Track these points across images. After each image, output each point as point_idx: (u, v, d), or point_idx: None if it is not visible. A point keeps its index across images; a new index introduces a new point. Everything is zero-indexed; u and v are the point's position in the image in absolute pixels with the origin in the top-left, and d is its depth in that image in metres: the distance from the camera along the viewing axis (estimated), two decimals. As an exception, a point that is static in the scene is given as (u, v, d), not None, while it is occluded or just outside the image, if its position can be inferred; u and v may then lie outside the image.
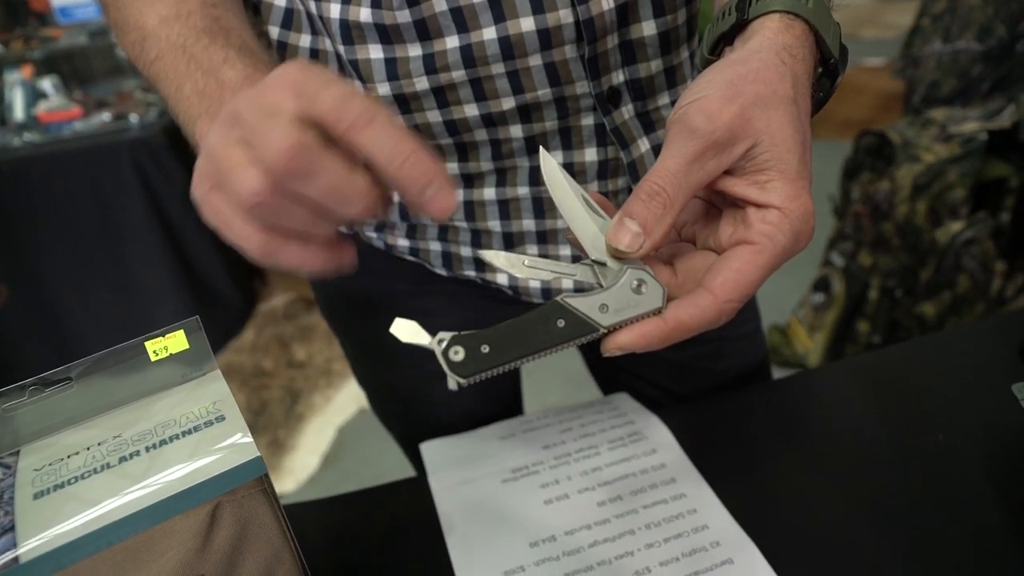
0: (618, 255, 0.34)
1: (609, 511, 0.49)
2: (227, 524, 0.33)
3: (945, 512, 0.47)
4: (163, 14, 0.42)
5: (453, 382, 0.33)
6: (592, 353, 0.75)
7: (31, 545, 0.28)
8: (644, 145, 0.52)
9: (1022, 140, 1.34)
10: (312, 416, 1.88)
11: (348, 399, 1.91)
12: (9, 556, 0.27)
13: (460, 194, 0.53)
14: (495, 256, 0.34)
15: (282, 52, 0.51)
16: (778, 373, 1.03)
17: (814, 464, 0.52)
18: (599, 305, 0.33)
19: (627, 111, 0.50)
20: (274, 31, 0.50)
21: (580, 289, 0.39)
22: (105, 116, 1.98)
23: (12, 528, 0.28)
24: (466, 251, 0.55)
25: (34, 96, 2.07)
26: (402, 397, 0.67)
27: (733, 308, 0.33)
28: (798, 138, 0.33)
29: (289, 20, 0.49)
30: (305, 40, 0.49)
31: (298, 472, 1.70)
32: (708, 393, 0.67)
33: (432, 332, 0.34)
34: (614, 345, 0.34)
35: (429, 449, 0.58)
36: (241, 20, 0.44)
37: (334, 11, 0.45)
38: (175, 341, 0.35)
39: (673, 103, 0.51)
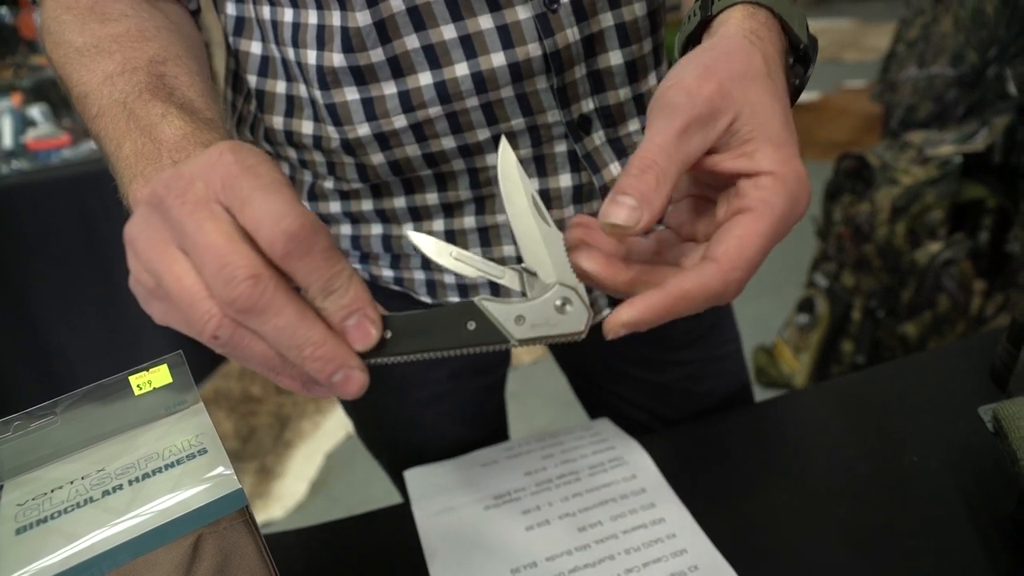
0: (615, 233, 0.32)
1: (589, 536, 0.50)
2: (209, 556, 0.34)
3: (919, 532, 0.48)
4: (108, 71, 0.40)
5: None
6: (577, 376, 0.76)
7: (13, 580, 0.28)
8: (616, 169, 0.53)
9: (996, 162, 1.37)
10: (300, 443, 1.88)
11: (336, 425, 1.91)
12: (-7, 591, 0.28)
13: (441, 223, 0.54)
14: (424, 241, 0.33)
15: (260, 99, 0.52)
16: (765, 394, 1.04)
17: (792, 487, 0.53)
18: (516, 315, 0.31)
19: (598, 137, 0.51)
20: (252, 79, 0.51)
21: (503, 293, 0.37)
22: (93, 144, 1.99)
23: (-6, 564, 0.29)
24: (449, 279, 0.57)
25: (23, 124, 2.08)
26: (388, 425, 0.68)
27: (739, 280, 0.32)
28: (778, 106, 0.34)
29: (265, 68, 0.51)
30: (281, 87, 0.50)
31: (286, 499, 1.69)
32: (692, 415, 0.68)
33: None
34: (617, 323, 0.32)
35: (413, 477, 0.59)
36: (192, 75, 0.41)
37: (311, 57, 0.46)
38: (159, 375, 0.36)
39: (643, 129, 0.52)
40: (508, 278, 0.33)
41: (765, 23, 0.37)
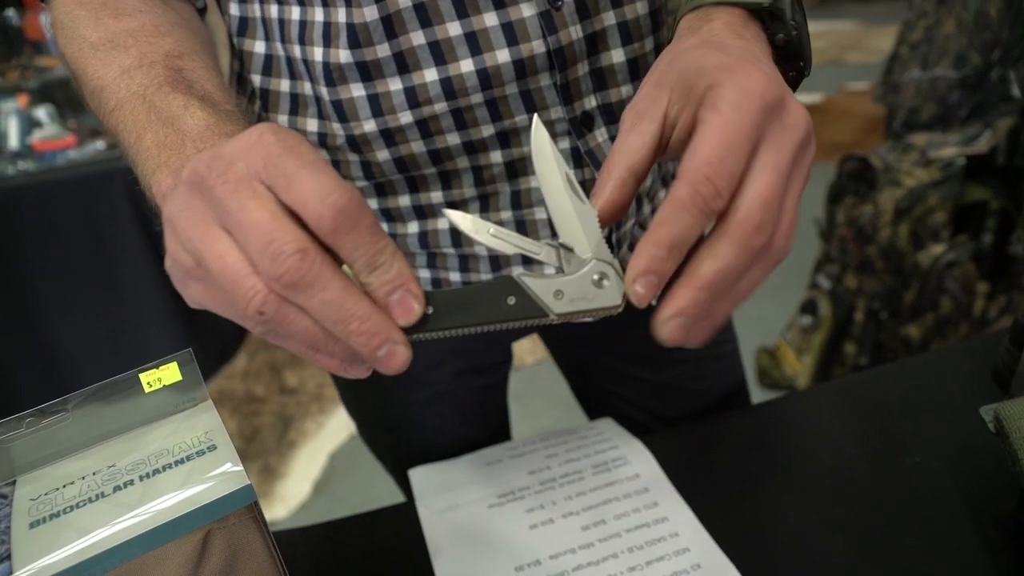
0: None
1: (593, 535, 0.50)
2: (218, 551, 0.34)
3: (920, 532, 0.48)
4: (125, 65, 0.40)
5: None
6: (577, 376, 0.76)
7: (26, 573, 0.29)
8: None
9: (1000, 164, 1.37)
10: (304, 442, 1.88)
11: (340, 425, 1.91)
12: (8, 583, 0.28)
13: (446, 221, 0.54)
14: (461, 219, 0.33)
15: (264, 98, 0.52)
16: (767, 395, 1.04)
17: (794, 486, 0.53)
18: (555, 290, 0.32)
19: (600, 134, 0.52)
20: (256, 79, 0.52)
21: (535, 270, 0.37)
22: (99, 145, 2.00)
23: (8, 557, 0.29)
24: (455, 276, 0.57)
25: (29, 125, 2.09)
26: (391, 426, 0.68)
27: (715, 188, 0.29)
28: (717, 54, 0.34)
29: (269, 67, 0.51)
30: (285, 85, 0.51)
31: (290, 499, 1.70)
32: (691, 414, 0.69)
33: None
34: (673, 312, 0.30)
35: (417, 475, 0.59)
36: (208, 70, 0.42)
37: (318, 54, 0.47)
38: (168, 373, 0.36)
39: None
40: (545, 254, 0.33)
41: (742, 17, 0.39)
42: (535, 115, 0.35)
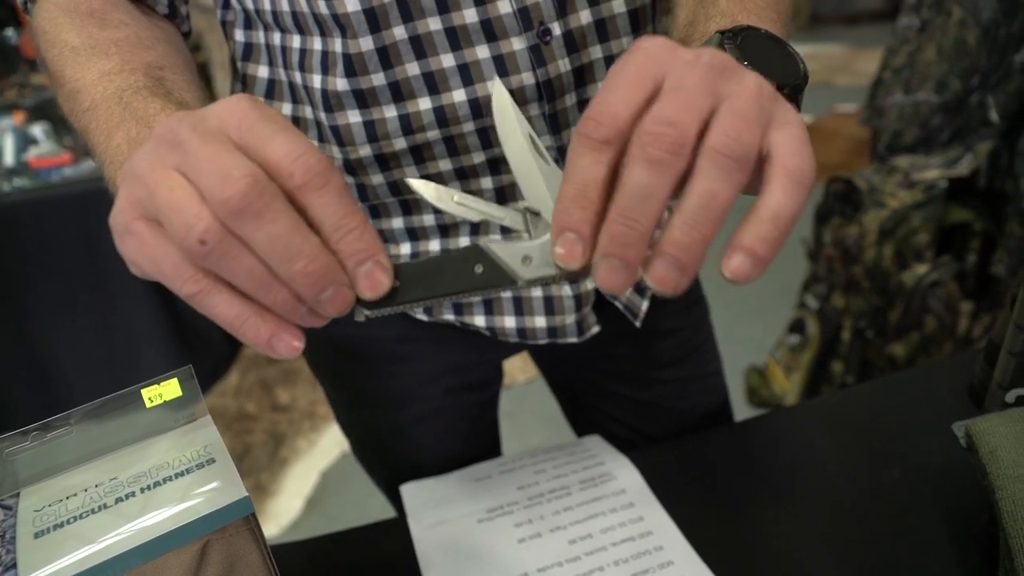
0: None
1: (579, 549, 0.51)
2: (216, 561, 0.35)
3: (898, 544, 0.50)
4: (105, 69, 0.40)
5: (360, 314, 0.30)
6: (564, 393, 0.78)
7: (33, 581, 0.30)
8: None
9: (981, 187, 1.40)
10: (295, 460, 1.88)
11: (332, 443, 1.92)
12: (13, 591, 0.29)
13: (437, 243, 0.56)
14: (424, 187, 0.32)
15: None
16: (756, 413, 1.05)
17: (777, 501, 0.55)
18: (522, 256, 0.30)
19: None
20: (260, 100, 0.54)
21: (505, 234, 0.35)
22: (94, 162, 2.02)
23: (14, 565, 0.30)
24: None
25: (25, 142, 2.10)
26: (384, 441, 0.70)
27: (594, 124, 0.28)
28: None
29: (272, 91, 0.53)
30: (287, 108, 0.53)
31: (281, 516, 1.69)
32: (675, 432, 0.70)
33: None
34: (745, 249, 0.27)
35: (408, 491, 0.60)
36: (189, 83, 0.42)
37: (316, 81, 0.49)
38: (169, 388, 0.38)
39: None
40: (510, 219, 0.32)
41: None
42: (496, 78, 0.35)
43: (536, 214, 0.32)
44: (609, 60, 0.51)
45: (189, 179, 0.27)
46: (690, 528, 0.52)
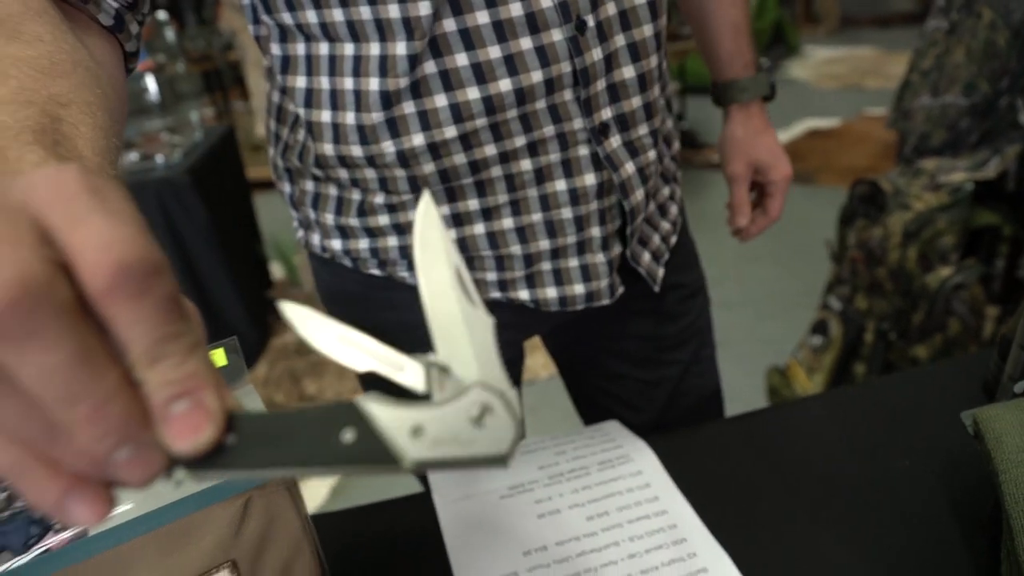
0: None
1: (597, 525, 0.54)
2: (256, 516, 0.38)
3: (908, 530, 0.51)
4: None
5: (177, 474, 0.21)
6: (573, 377, 0.82)
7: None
8: (631, 168, 0.59)
9: (1009, 190, 1.40)
10: (321, 449, 1.93)
11: (357, 433, 1.96)
12: (79, 530, 0.32)
13: (482, 227, 0.59)
14: (298, 318, 0.25)
15: (309, 129, 0.57)
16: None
17: (789, 487, 0.57)
18: (412, 426, 0.22)
19: (615, 141, 0.58)
20: (301, 111, 0.56)
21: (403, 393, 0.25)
22: (132, 156, 2.08)
23: (81, 509, 0.33)
24: (491, 276, 0.62)
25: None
26: None
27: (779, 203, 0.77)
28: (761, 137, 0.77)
29: (310, 100, 0.55)
30: (326, 116, 0.55)
31: (307, 502, 1.73)
32: (673, 411, 0.77)
33: None
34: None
35: (434, 468, 0.63)
36: (94, 126, 0.32)
37: (374, 84, 0.52)
38: (216, 357, 0.41)
39: (651, 133, 0.60)
40: (410, 373, 0.24)
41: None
42: (425, 192, 0.28)
43: (445, 370, 0.24)
44: (632, 47, 0.55)
45: None
46: (703, 509, 0.54)
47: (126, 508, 0.34)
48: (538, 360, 2.04)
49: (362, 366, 0.24)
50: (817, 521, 0.53)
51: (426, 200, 0.27)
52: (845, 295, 1.61)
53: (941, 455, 0.58)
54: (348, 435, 0.22)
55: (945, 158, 1.48)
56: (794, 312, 2.08)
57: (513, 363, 0.74)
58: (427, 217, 0.26)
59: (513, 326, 0.66)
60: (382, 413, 0.22)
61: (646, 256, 0.66)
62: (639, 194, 0.61)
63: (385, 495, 0.62)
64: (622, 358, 0.75)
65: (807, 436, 0.63)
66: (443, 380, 0.24)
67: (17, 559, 0.31)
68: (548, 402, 1.90)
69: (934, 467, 0.57)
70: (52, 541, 0.32)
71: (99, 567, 0.33)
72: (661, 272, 0.68)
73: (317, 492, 1.77)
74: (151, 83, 2.47)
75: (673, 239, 0.70)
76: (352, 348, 0.24)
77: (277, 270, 2.78)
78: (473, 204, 0.58)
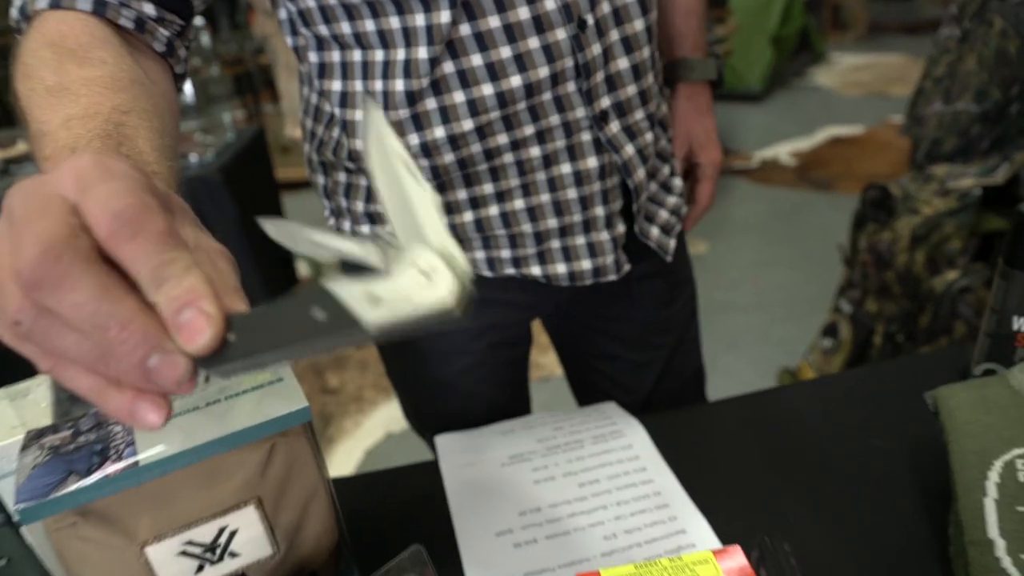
0: None
1: (588, 490, 0.59)
2: (279, 460, 0.44)
3: (877, 504, 0.56)
4: (70, 114, 0.39)
5: (201, 375, 0.26)
6: (569, 358, 0.89)
7: (146, 455, 0.39)
8: (631, 150, 0.66)
9: (1020, 196, 1.42)
10: (342, 439, 1.99)
11: (376, 425, 2.02)
12: (131, 460, 0.38)
13: (496, 209, 0.65)
14: (275, 228, 0.31)
15: (344, 127, 0.63)
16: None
17: (769, 465, 0.61)
18: (368, 294, 0.24)
19: (615, 126, 0.64)
20: (336, 111, 0.62)
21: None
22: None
23: (133, 443, 0.39)
24: (506, 253, 0.68)
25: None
26: (436, 394, 0.79)
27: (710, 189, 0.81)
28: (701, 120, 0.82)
29: (345, 101, 0.62)
30: (360, 115, 0.61)
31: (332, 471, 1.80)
32: (659, 390, 0.83)
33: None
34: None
35: (442, 440, 0.68)
36: (151, 131, 0.40)
37: (399, 85, 0.58)
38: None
39: (647, 117, 0.66)
40: (363, 251, 0.28)
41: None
42: (367, 99, 0.35)
43: (394, 245, 0.26)
44: (625, 40, 0.61)
45: (12, 248, 0.25)
46: (689, 482, 0.59)
47: (175, 444, 0.40)
48: (552, 358, 2.09)
49: (328, 257, 0.29)
50: (796, 494, 0.57)
51: (369, 105, 0.30)
52: (856, 298, 1.64)
53: (912, 435, 0.62)
54: (319, 313, 0.24)
55: (956, 164, 1.50)
56: (809, 316, 2.10)
57: (520, 343, 0.80)
58: (374, 118, 0.29)
59: (521, 305, 0.72)
60: (342, 290, 0.24)
61: (655, 231, 0.73)
62: (640, 173, 0.67)
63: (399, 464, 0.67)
64: (617, 340, 0.81)
65: (791, 420, 0.68)
66: (396, 253, 0.26)
67: (83, 481, 0.37)
68: (561, 398, 1.95)
69: (907, 445, 0.61)
70: (111, 469, 0.38)
71: (148, 492, 0.39)
72: (672, 243, 0.75)
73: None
74: (187, 86, 2.56)
75: (684, 210, 0.77)
76: (319, 246, 0.29)
77: (303, 267, 2.87)
78: (488, 188, 0.64)
